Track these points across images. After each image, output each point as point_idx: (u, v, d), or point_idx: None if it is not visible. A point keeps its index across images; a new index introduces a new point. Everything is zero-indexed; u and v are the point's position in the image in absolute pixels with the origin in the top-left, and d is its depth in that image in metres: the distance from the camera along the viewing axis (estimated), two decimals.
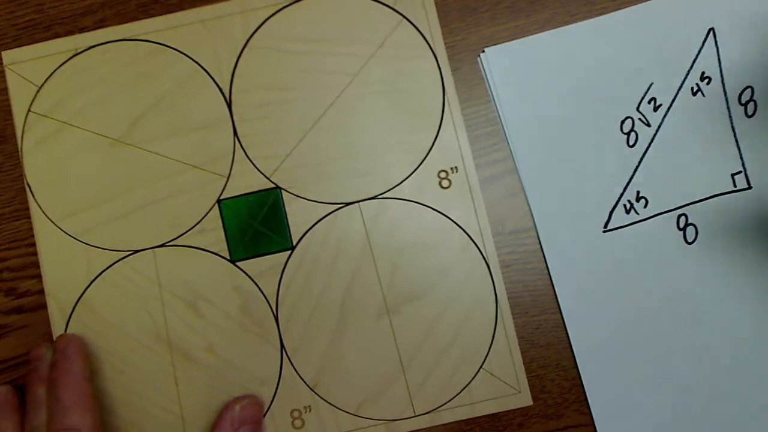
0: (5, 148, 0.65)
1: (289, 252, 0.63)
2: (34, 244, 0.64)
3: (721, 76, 0.63)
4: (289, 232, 0.63)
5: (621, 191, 0.63)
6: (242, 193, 0.64)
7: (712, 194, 0.63)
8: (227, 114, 0.64)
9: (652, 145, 0.63)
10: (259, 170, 0.64)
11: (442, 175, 0.63)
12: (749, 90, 0.63)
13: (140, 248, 0.64)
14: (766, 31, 0.63)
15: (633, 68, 0.64)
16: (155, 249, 0.64)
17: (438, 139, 0.64)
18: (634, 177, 0.63)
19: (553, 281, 0.63)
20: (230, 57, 0.65)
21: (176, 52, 0.65)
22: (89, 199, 0.64)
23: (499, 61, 0.64)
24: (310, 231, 0.63)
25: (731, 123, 0.63)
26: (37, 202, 0.64)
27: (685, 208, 0.63)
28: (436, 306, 0.63)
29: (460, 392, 0.62)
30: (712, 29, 0.63)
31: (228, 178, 0.64)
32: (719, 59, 0.63)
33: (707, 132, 0.63)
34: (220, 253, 0.64)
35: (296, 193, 0.64)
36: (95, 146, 0.64)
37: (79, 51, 0.65)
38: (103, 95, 0.65)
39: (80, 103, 0.64)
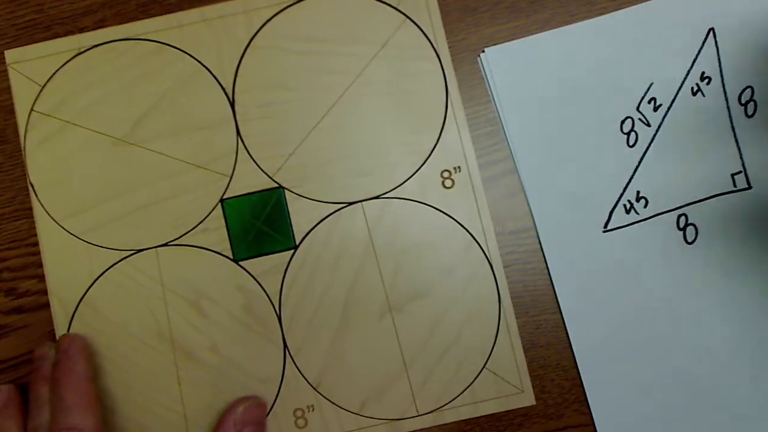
0: (5, 148, 0.65)
1: (292, 251, 0.63)
2: (34, 244, 0.64)
3: (721, 76, 0.63)
4: (292, 231, 0.63)
5: (621, 191, 0.63)
6: (245, 192, 0.64)
7: (712, 194, 0.63)
8: (230, 113, 0.64)
9: (652, 145, 0.63)
10: (262, 170, 0.64)
11: (445, 174, 0.63)
12: (749, 90, 0.63)
13: (143, 247, 0.64)
14: (766, 31, 0.63)
15: (633, 68, 0.64)
16: (158, 248, 0.64)
17: (441, 138, 0.64)
18: (634, 177, 0.63)
19: (553, 281, 0.63)
20: (233, 56, 0.65)
21: (179, 51, 0.65)
22: (92, 199, 0.64)
23: (499, 61, 0.64)
24: (313, 230, 0.63)
25: (731, 123, 0.63)
26: (40, 201, 0.64)
27: (685, 208, 0.63)
28: (439, 305, 0.63)
29: (463, 392, 0.63)
30: (712, 29, 0.63)
31: (231, 178, 0.64)
32: (719, 59, 0.63)
33: (707, 132, 0.63)
34: (223, 253, 0.64)
35: (299, 193, 0.64)
36: (98, 145, 0.64)
37: (82, 50, 0.65)
38: (106, 94, 0.65)
39: (83, 102, 0.64)
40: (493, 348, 0.62)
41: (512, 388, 0.62)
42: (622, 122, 0.63)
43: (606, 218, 0.63)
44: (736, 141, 0.63)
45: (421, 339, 0.63)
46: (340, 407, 0.63)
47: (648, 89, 0.64)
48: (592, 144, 0.63)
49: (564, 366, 0.63)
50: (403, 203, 0.63)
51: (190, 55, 0.65)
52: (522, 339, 0.63)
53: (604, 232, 0.63)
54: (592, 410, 0.62)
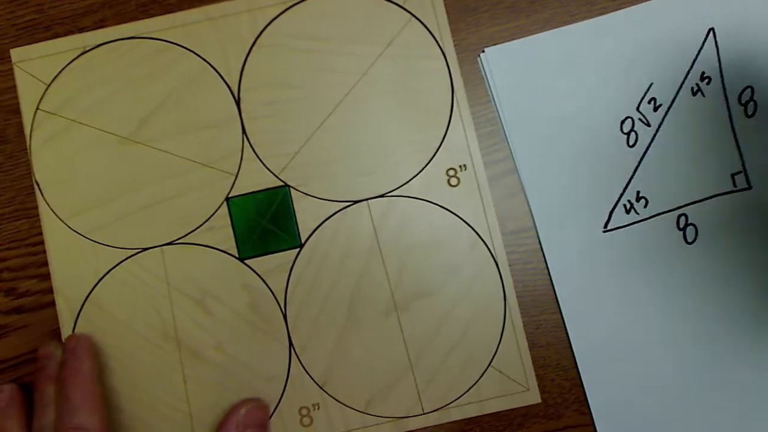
0: (6, 148, 0.65)
1: (298, 250, 0.64)
2: (34, 244, 0.64)
3: (721, 76, 0.63)
4: (298, 229, 0.64)
5: (621, 191, 0.63)
6: (251, 191, 0.64)
7: (712, 194, 0.63)
8: (236, 112, 0.64)
9: (652, 145, 0.63)
10: (267, 168, 0.64)
11: (451, 173, 0.64)
12: (749, 90, 0.63)
13: (149, 246, 0.64)
14: (766, 31, 0.63)
15: (633, 68, 0.64)
16: (164, 247, 0.64)
17: (446, 137, 0.64)
18: (634, 177, 0.63)
19: (553, 281, 0.63)
20: (239, 55, 0.65)
21: (185, 50, 0.65)
22: (98, 197, 0.64)
23: (499, 61, 0.64)
24: (318, 229, 0.64)
25: (731, 123, 0.63)
26: (45, 200, 0.64)
27: (685, 208, 0.63)
28: (445, 304, 0.63)
29: (468, 390, 0.63)
30: (712, 29, 0.64)
31: (236, 176, 0.64)
32: (719, 59, 0.64)
33: (707, 132, 0.63)
34: (229, 251, 0.64)
35: (305, 191, 0.64)
36: (104, 144, 0.64)
37: (87, 49, 0.65)
38: (112, 93, 0.65)
39: (89, 101, 0.64)
40: (498, 346, 0.63)
41: (518, 386, 0.62)
42: (622, 122, 0.64)
43: (606, 218, 0.63)
44: (736, 141, 0.63)
45: (427, 337, 0.63)
46: (345, 405, 0.63)
47: (648, 89, 0.64)
48: (592, 144, 0.64)
49: (564, 366, 0.63)
50: (408, 201, 0.63)
51: (196, 54, 0.65)
52: None
53: (604, 232, 0.63)
54: (592, 410, 0.63)
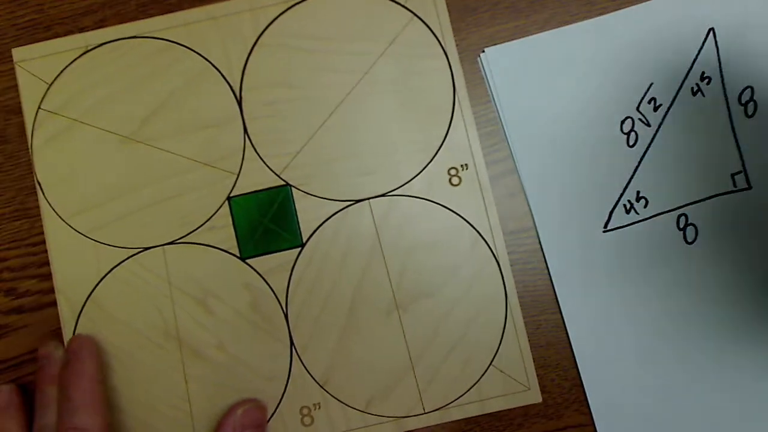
0: (6, 148, 0.65)
1: (299, 249, 0.64)
2: (34, 244, 0.64)
3: (721, 76, 0.63)
4: (299, 229, 0.64)
5: (621, 191, 0.63)
6: (252, 190, 0.64)
7: (712, 194, 0.63)
8: (237, 111, 0.64)
9: (652, 145, 0.63)
10: (269, 167, 0.64)
11: (452, 172, 0.64)
12: (749, 90, 0.63)
13: (150, 245, 0.64)
14: (766, 31, 0.63)
15: (633, 68, 0.64)
16: (165, 246, 0.64)
17: (448, 136, 0.64)
18: (634, 177, 0.63)
19: (553, 281, 0.63)
20: (240, 54, 0.65)
21: (186, 49, 0.65)
22: (99, 197, 0.64)
23: (499, 61, 0.64)
24: (319, 228, 0.64)
25: (731, 123, 0.63)
26: (46, 199, 0.64)
27: (685, 208, 0.63)
28: (446, 303, 0.63)
29: (469, 389, 0.63)
30: (712, 29, 0.64)
31: (238, 176, 0.64)
32: (719, 59, 0.64)
33: (707, 132, 0.63)
34: (230, 251, 0.64)
35: (306, 191, 0.64)
36: (105, 143, 0.64)
37: (89, 48, 0.65)
38: (114, 92, 0.65)
39: (90, 100, 0.64)
40: (499, 345, 0.63)
41: (519, 386, 0.62)
42: (622, 122, 0.64)
43: (606, 218, 0.63)
44: (736, 141, 0.63)
45: (428, 336, 0.63)
46: (346, 405, 0.63)
47: (648, 89, 0.64)
48: (592, 144, 0.64)
49: (564, 366, 0.63)
50: (410, 201, 0.63)
51: (198, 53, 0.65)
52: None
53: (604, 232, 0.63)
54: (592, 410, 0.63)
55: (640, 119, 0.63)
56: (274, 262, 0.64)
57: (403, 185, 0.64)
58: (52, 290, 0.64)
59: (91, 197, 0.64)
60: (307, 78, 0.64)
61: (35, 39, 0.66)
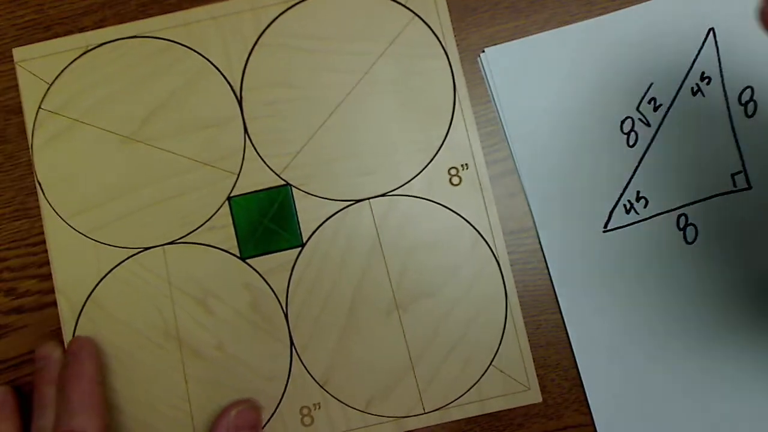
0: (6, 148, 0.65)
1: (299, 249, 0.64)
2: (34, 244, 0.64)
3: (721, 76, 0.63)
4: (299, 229, 0.64)
5: (621, 191, 0.63)
6: (252, 190, 0.64)
7: (712, 194, 0.63)
8: (238, 111, 0.64)
9: (652, 145, 0.63)
10: (269, 167, 0.64)
11: (453, 172, 0.64)
12: (749, 90, 0.63)
13: (150, 245, 0.64)
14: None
15: (633, 68, 0.64)
16: (165, 246, 0.64)
17: (448, 136, 0.64)
18: (634, 177, 0.63)
19: (553, 281, 0.63)
20: (241, 54, 0.65)
21: (187, 49, 0.65)
22: (99, 197, 0.64)
23: (499, 61, 0.64)
24: (320, 228, 0.64)
25: (731, 123, 0.63)
26: (47, 199, 0.64)
27: (685, 208, 0.63)
28: (446, 303, 0.63)
29: (469, 389, 0.63)
30: (712, 29, 0.64)
31: (238, 176, 0.64)
32: (719, 59, 0.64)
33: (707, 132, 0.63)
34: (230, 251, 0.64)
35: (306, 191, 0.64)
36: (106, 143, 0.64)
37: (89, 48, 0.65)
38: (114, 92, 0.65)
39: (91, 100, 0.64)
40: (499, 345, 0.63)
41: (519, 386, 0.62)
42: (622, 122, 0.64)
43: (606, 218, 0.63)
44: (736, 141, 0.63)
45: (428, 336, 0.63)
46: (346, 405, 0.63)
47: (648, 89, 0.64)
48: (592, 144, 0.64)
49: (564, 366, 0.63)
50: (410, 200, 0.63)
51: (198, 53, 0.65)
52: None
53: (604, 232, 0.63)
54: (592, 410, 0.63)
55: (640, 119, 0.63)
56: (274, 262, 0.64)
57: (404, 185, 0.64)
58: (52, 290, 0.64)
59: (91, 197, 0.64)
60: (308, 78, 0.64)
61: (35, 39, 0.66)
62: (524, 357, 0.63)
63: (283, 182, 0.64)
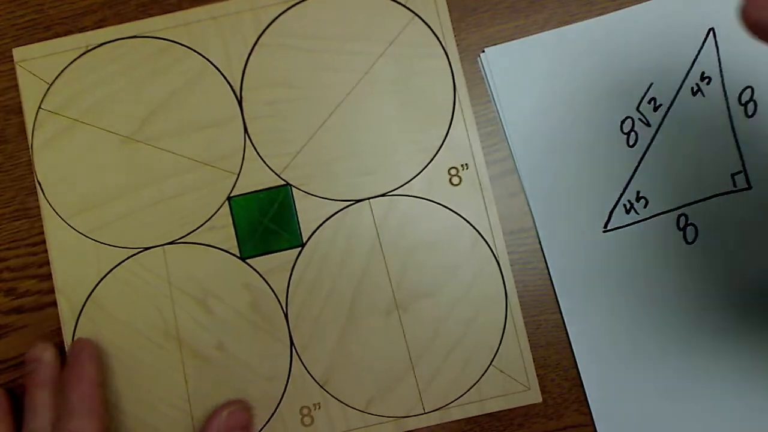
0: (6, 148, 0.65)
1: (299, 249, 0.64)
2: (34, 244, 0.64)
3: (721, 76, 0.63)
4: (299, 229, 0.64)
5: (621, 191, 0.63)
6: (252, 190, 0.64)
7: (712, 194, 0.63)
8: (238, 111, 0.64)
9: (652, 145, 0.63)
10: (269, 167, 0.64)
11: (453, 172, 0.64)
12: (749, 90, 0.63)
13: (150, 245, 0.64)
14: None
15: (633, 68, 0.64)
16: (165, 246, 0.64)
17: (448, 136, 0.64)
18: (634, 177, 0.63)
19: (553, 281, 0.63)
20: (241, 54, 0.65)
21: (187, 49, 0.65)
22: (99, 197, 0.64)
23: (499, 61, 0.64)
24: (320, 228, 0.64)
25: (731, 123, 0.63)
26: (47, 199, 0.64)
27: (685, 208, 0.63)
28: (446, 303, 0.63)
29: (469, 389, 0.63)
30: (712, 29, 0.64)
31: (238, 176, 0.64)
32: (719, 59, 0.63)
33: (707, 132, 0.63)
34: (230, 251, 0.64)
35: (306, 191, 0.64)
36: (106, 143, 0.64)
37: (89, 48, 0.65)
38: (114, 92, 0.65)
39: (91, 100, 0.64)
40: (499, 345, 0.63)
41: (519, 386, 0.62)
42: (622, 122, 0.64)
43: (606, 218, 0.63)
44: (736, 141, 0.63)
45: (428, 336, 0.63)
46: (346, 405, 0.63)
47: (648, 89, 0.64)
48: (592, 144, 0.64)
49: (564, 366, 0.63)
50: (410, 201, 0.63)
51: (198, 53, 0.65)
52: None
53: (604, 232, 0.63)
54: (592, 410, 0.63)
55: (640, 119, 0.63)
56: (274, 262, 0.63)
57: (403, 185, 0.64)
58: (52, 290, 0.64)
59: (91, 197, 0.64)
60: (308, 78, 0.64)
61: (35, 39, 0.66)
62: (524, 357, 0.63)
63: (283, 182, 0.64)
